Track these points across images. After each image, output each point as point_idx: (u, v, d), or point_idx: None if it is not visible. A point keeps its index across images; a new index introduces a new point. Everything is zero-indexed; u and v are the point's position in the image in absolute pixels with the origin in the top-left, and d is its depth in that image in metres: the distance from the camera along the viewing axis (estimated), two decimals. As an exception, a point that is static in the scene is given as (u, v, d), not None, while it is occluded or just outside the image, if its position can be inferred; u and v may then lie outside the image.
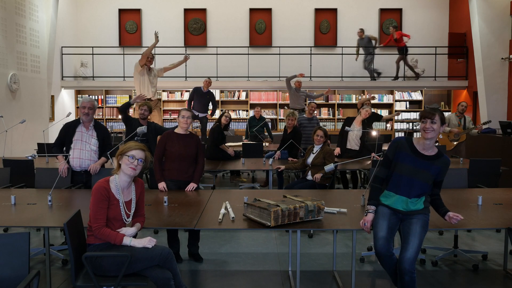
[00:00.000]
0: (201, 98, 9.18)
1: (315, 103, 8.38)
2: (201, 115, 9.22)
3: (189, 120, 4.61)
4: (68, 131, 4.88)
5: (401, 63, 12.12)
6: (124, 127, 6.36)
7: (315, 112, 8.41)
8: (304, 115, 8.21)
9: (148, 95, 8.09)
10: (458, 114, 7.94)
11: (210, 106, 9.42)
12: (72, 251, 2.81)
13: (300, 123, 7.85)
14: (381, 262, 3.16)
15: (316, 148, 5.70)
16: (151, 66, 8.30)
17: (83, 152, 4.84)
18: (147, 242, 2.95)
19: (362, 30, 11.73)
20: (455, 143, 7.86)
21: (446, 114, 9.10)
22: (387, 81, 12.39)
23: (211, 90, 9.50)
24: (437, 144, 7.50)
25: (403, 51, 11.90)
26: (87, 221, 3.07)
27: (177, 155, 4.52)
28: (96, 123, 4.96)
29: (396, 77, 12.17)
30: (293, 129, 7.13)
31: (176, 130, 4.66)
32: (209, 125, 8.80)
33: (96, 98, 12.68)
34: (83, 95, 12.64)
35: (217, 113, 9.82)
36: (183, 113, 4.61)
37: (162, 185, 4.50)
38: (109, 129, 12.25)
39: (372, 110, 9.53)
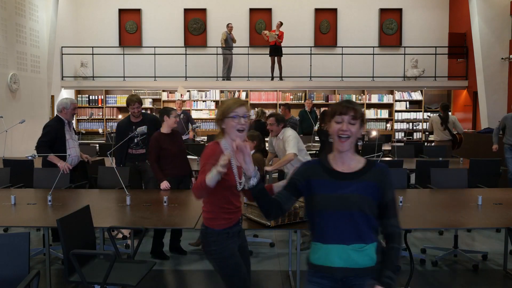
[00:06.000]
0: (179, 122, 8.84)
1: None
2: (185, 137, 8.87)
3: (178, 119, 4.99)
4: (57, 134, 4.94)
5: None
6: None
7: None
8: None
9: None
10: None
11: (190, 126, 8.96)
12: (64, 247, 2.85)
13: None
14: None
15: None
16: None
17: (75, 149, 5.10)
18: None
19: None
20: None
21: (431, 115, 9.08)
22: (387, 81, 12.39)
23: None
24: None
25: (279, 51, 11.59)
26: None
27: (170, 153, 4.68)
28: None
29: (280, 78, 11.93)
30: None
31: (162, 131, 4.73)
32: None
33: (96, 98, 12.69)
34: (83, 95, 12.64)
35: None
36: (174, 114, 4.82)
37: (164, 184, 4.57)
38: (109, 129, 12.30)
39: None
